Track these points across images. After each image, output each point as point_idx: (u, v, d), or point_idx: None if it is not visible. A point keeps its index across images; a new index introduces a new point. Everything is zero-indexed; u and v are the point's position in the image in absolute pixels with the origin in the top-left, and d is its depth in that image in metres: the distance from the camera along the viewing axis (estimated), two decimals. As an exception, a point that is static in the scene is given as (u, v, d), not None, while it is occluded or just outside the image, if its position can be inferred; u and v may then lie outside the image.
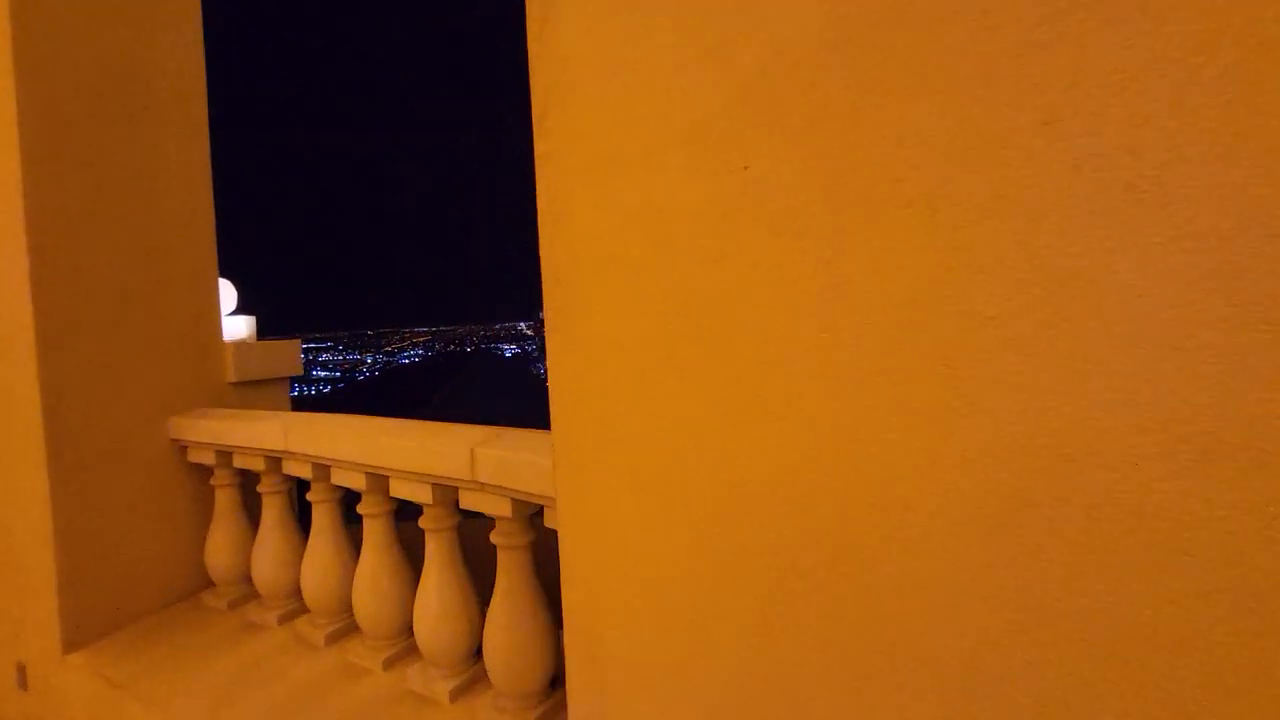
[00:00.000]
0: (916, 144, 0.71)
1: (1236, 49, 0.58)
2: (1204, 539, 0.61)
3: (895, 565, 0.77)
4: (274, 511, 2.51)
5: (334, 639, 2.29)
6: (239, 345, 3.01)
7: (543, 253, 0.95)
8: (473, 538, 2.07)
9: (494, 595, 1.79)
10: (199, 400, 2.82)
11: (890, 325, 0.74)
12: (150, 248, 2.70)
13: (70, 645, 2.40)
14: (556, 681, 1.83)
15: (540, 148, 0.95)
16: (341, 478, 2.17)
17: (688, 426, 0.88)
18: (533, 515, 1.76)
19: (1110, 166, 0.63)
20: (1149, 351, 0.62)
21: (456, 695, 1.89)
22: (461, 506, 1.82)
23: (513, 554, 1.78)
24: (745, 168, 0.80)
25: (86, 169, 2.49)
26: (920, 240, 0.72)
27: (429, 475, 1.83)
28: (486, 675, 1.87)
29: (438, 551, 1.96)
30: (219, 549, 2.67)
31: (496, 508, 1.72)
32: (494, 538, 1.78)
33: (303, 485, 2.43)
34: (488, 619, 1.80)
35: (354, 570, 2.24)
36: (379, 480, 2.08)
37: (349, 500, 2.32)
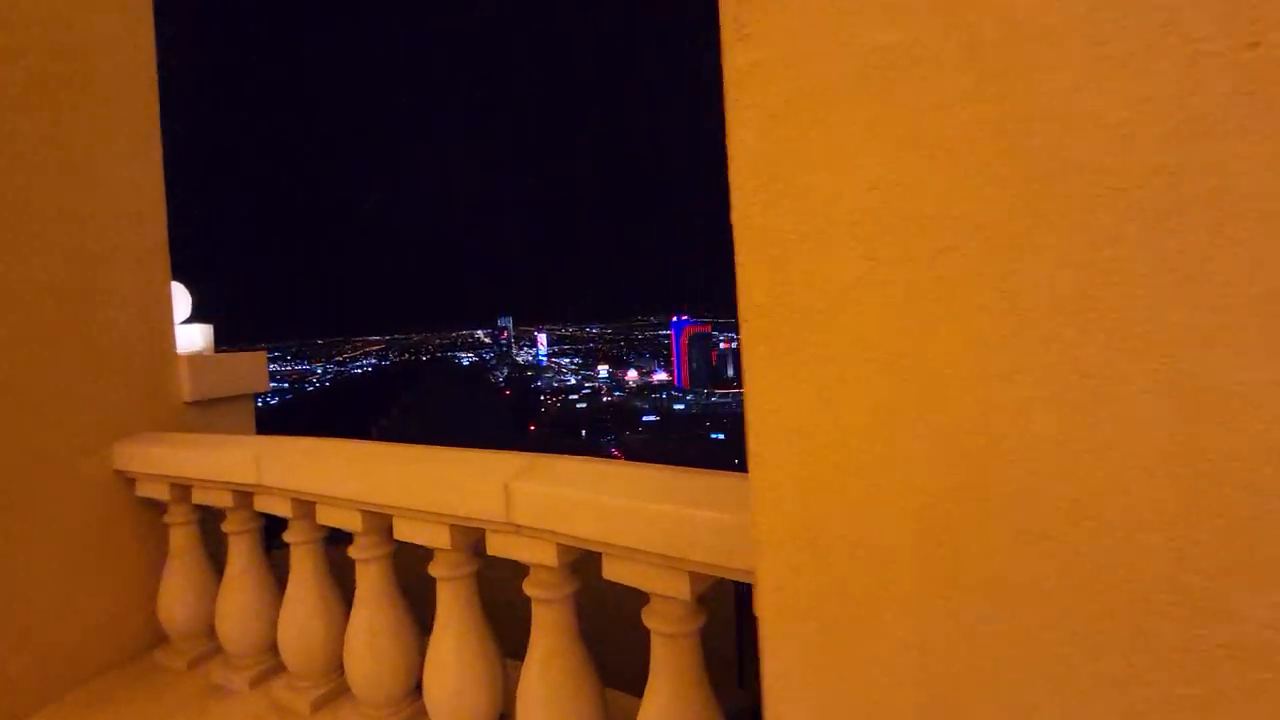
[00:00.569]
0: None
1: None
2: None
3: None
4: (242, 554, 2.14)
5: (322, 705, 1.93)
6: (195, 359, 2.61)
7: (742, 222, 0.65)
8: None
9: (529, 660, 1.49)
10: (149, 423, 2.42)
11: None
12: (89, 247, 2.30)
13: (-11, 725, 1.99)
14: (603, 757, 1.54)
15: (741, 59, 0.63)
16: (330, 516, 1.83)
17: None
18: (574, 562, 1.47)
19: None
20: None
21: (480, 777, 1.58)
22: (490, 552, 1.51)
23: (553, 609, 1.48)
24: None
25: (5, 156, 2.09)
26: None
27: (447, 515, 1.52)
28: (517, 752, 1.57)
29: (454, 603, 1.65)
30: (175, 598, 2.28)
31: (538, 555, 1.42)
32: (531, 589, 1.48)
33: (275, 522, 2.07)
34: (522, 691, 1.49)
35: (344, 624, 1.90)
36: (378, 519, 1.75)
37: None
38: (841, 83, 0.59)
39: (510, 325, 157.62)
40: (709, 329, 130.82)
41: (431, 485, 1.53)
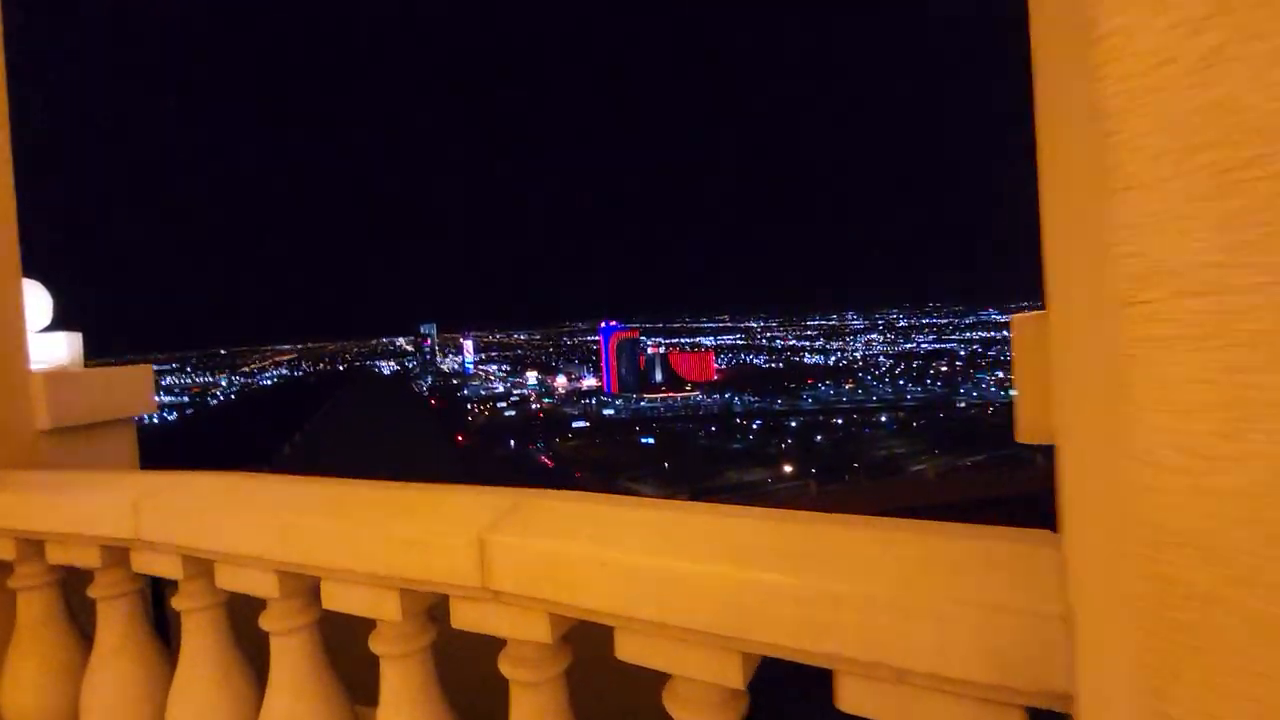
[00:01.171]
0: None
1: None
2: None
3: None
4: (116, 626, 1.68)
5: (225, 821, 1.51)
6: (56, 376, 2.10)
7: (1056, 183, 0.37)
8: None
9: (511, 760, 1.15)
10: (-12, 460, 1.90)
11: None
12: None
13: None
14: None
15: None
16: (235, 578, 1.41)
17: None
18: (569, 632, 1.14)
19: None
20: None
21: None
22: (456, 625, 1.16)
23: (539, 693, 1.14)
24: None
25: None
26: None
27: (398, 578, 1.16)
28: None
29: (404, 686, 1.28)
30: (24, 682, 1.78)
31: (522, 628, 1.08)
32: (510, 668, 1.14)
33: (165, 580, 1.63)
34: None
35: (257, 710, 1.49)
36: (301, 581, 1.36)
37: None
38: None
39: (434, 332, 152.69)
40: (637, 334, 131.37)
41: (377, 540, 1.16)
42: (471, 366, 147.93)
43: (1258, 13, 0.38)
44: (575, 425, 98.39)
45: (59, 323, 2.37)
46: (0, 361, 1.99)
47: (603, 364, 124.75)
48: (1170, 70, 0.40)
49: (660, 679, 1.01)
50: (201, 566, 1.49)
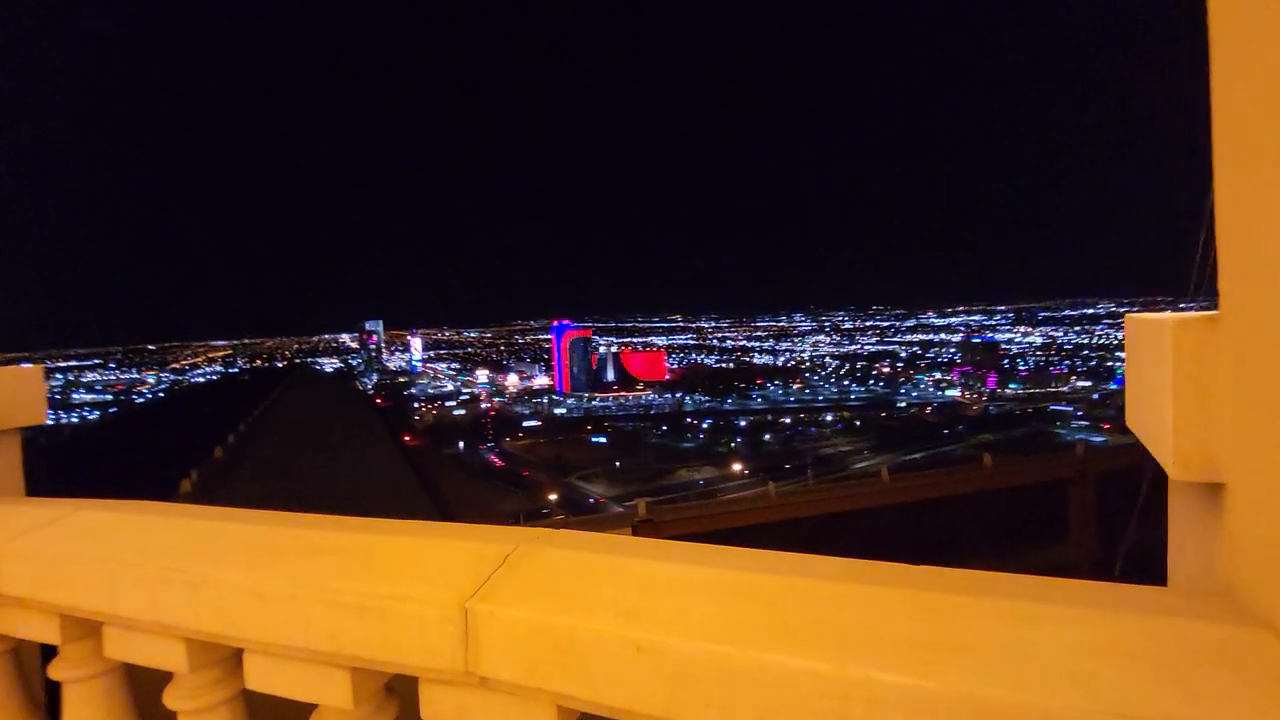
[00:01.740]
0: None
1: None
2: None
3: None
4: (-21, 697, 1.32)
5: None
6: (-89, 379, 1.70)
7: None
8: None
9: None
10: None
11: None
12: None
13: None
14: None
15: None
16: (129, 647, 1.09)
17: None
18: None
19: None
20: None
21: None
22: (425, 717, 0.88)
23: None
24: None
25: None
26: None
27: (348, 656, 0.88)
28: None
29: (354, 783, 1.00)
30: None
31: (519, 725, 0.82)
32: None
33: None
34: None
35: (159, 808, 1.17)
36: (217, 653, 1.05)
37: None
38: None
39: (380, 329, 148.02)
40: (589, 333, 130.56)
41: (321, 603, 0.88)
42: (419, 364, 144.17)
43: None
44: (526, 424, 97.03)
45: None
46: None
47: (555, 362, 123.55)
48: None
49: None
50: (87, 628, 1.16)
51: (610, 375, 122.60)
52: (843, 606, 0.70)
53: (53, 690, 1.45)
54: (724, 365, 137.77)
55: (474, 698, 0.83)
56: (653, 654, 0.69)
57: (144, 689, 1.22)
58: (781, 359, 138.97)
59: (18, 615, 1.20)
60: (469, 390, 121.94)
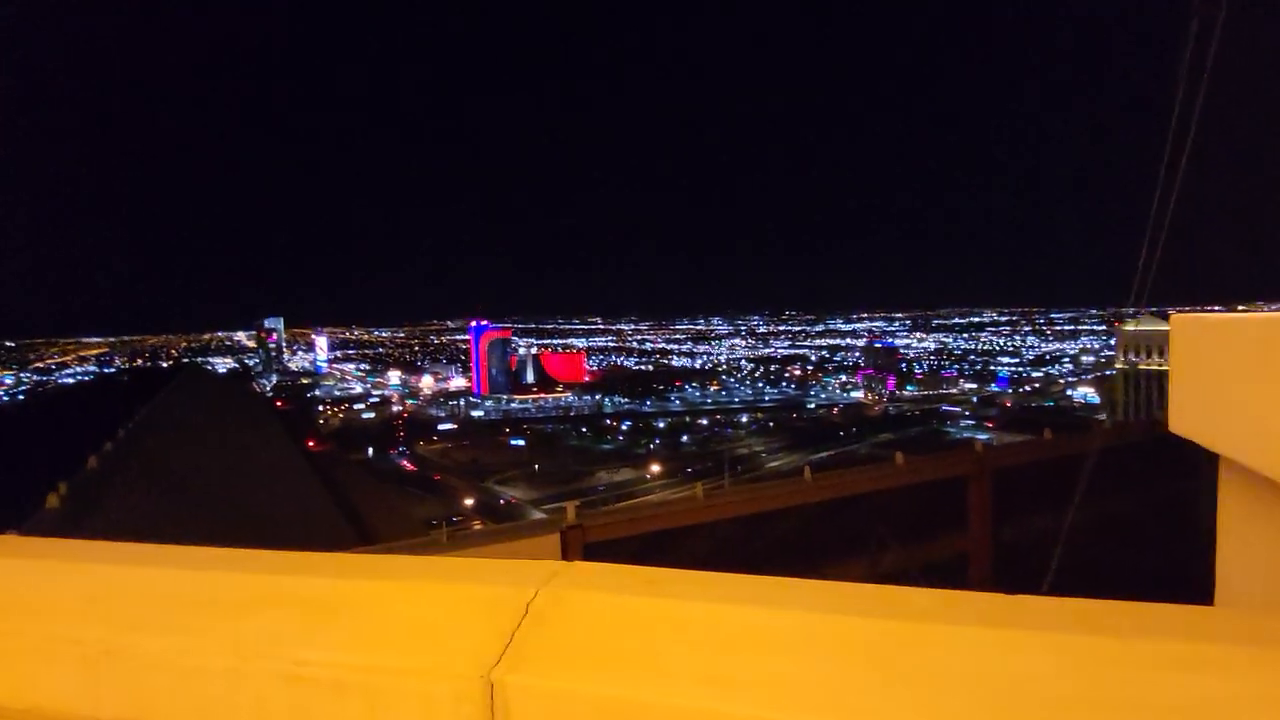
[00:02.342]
0: None
1: None
2: None
3: None
4: None
5: None
6: None
7: None
8: None
9: None
10: None
11: None
12: None
13: None
14: None
15: None
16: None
17: None
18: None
19: None
20: None
21: None
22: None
23: None
24: None
25: None
26: None
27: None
28: None
29: None
30: None
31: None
32: None
33: None
34: None
35: None
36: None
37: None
38: None
39: (280, 327, 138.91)
40: (509, 334, 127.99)
41: (277, 678, 0.66)
42: (325, 365, 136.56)
43: None
44: (441, 428, 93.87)
45: None
46: None
47: (472, 364, 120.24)
48: None
49: None
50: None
51: (530, 377, 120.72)
52: (963, 654, 0.58)
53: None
54: (643, 367, 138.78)
55: (494, 792, 0.65)
56: (750, 736, 0.54)
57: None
58: (699, 361, 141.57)
59: None
60: (380, 392, 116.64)
